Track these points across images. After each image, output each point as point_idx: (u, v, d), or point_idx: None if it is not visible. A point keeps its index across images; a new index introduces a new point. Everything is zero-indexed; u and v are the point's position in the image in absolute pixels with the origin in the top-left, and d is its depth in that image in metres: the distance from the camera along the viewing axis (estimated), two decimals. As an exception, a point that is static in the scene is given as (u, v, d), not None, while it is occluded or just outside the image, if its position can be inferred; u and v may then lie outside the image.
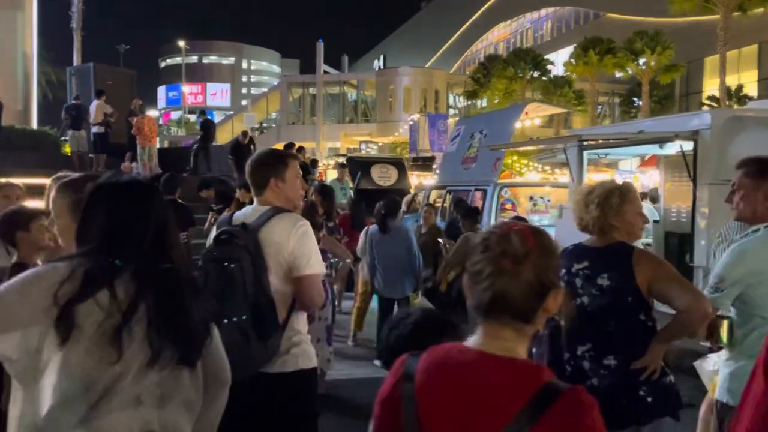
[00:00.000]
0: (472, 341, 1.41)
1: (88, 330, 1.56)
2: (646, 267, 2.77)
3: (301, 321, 2.86)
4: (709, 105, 31.50)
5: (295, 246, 2.71)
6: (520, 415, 1.26)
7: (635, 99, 38.64)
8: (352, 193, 12.16)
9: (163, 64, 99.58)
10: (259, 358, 2.61)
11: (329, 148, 43.07)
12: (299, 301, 2.77)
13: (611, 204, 2.90)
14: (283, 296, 2.69)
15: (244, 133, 15.17)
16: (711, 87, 34.68)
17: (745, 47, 32.77)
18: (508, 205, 10.11)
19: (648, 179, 14.50)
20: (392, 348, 2.02)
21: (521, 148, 13.19)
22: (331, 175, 18.14)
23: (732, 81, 30.17)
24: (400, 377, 1.42)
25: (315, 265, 2.75)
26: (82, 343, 1.55)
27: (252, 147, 14.87)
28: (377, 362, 7.81)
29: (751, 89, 33.22)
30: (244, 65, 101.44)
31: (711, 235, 5.98)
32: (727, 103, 28.88)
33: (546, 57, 39.41)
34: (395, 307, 6.97)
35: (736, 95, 31.18)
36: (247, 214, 2.87)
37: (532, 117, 14.42)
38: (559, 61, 41.85)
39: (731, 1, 27.01)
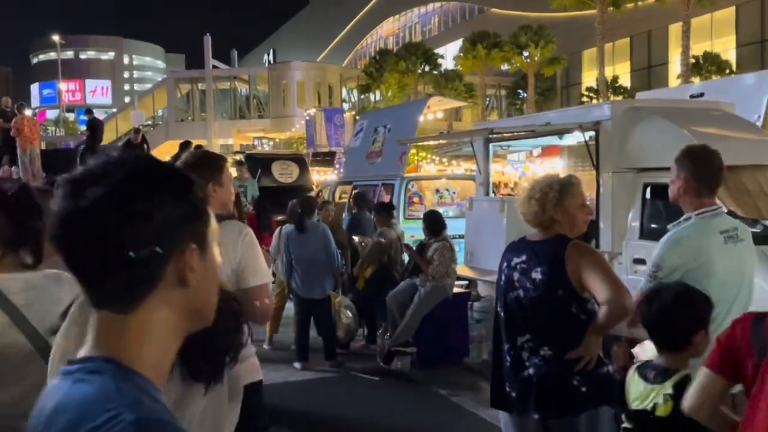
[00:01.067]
0: None
1: None
2: (575, 259, 2.82)
3: (246, 333, 2.72)
4: (587, 96, 33.31)
5: (243, 255, 2.58)
6: None
7: (520, 91, 40.21)
8: (256, 191, 11.84)
9: (35, 60, 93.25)
10: None
11: (221, 145, 41.92)
12: (249, 313, 2.61)
13: (550, 198, 2.94)
14: None
15: (137, 131, 14.40)
16: (589, 78, 36.67)
17: (618, 40, 34.85)
18: (416, 199, 10.17)
19: (539, 168, 14.96)
20: (656, 316, 2.44)
21: (427, 143, 13.27)
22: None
23: (608, 72, 31.95)
24: (750, 325, 1.94)
25: (263, 275, 2.63)
26: None
27: (145, 146, 14.18)
28: (297, 365, 7.65)
29: (625, 80, 35.40)
30: (126, 60, 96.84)
31: (614, 221, 6.27)
32: (607, 93, 30.59)
33: (435, 51, 40.24)
34: (315, 307, 6.85)
35: (612, 86, 33.08)
36: None
37: (435, 111, 14.63)
38: (448, 55, 42.87)
39: (607, -4, 28.62)
